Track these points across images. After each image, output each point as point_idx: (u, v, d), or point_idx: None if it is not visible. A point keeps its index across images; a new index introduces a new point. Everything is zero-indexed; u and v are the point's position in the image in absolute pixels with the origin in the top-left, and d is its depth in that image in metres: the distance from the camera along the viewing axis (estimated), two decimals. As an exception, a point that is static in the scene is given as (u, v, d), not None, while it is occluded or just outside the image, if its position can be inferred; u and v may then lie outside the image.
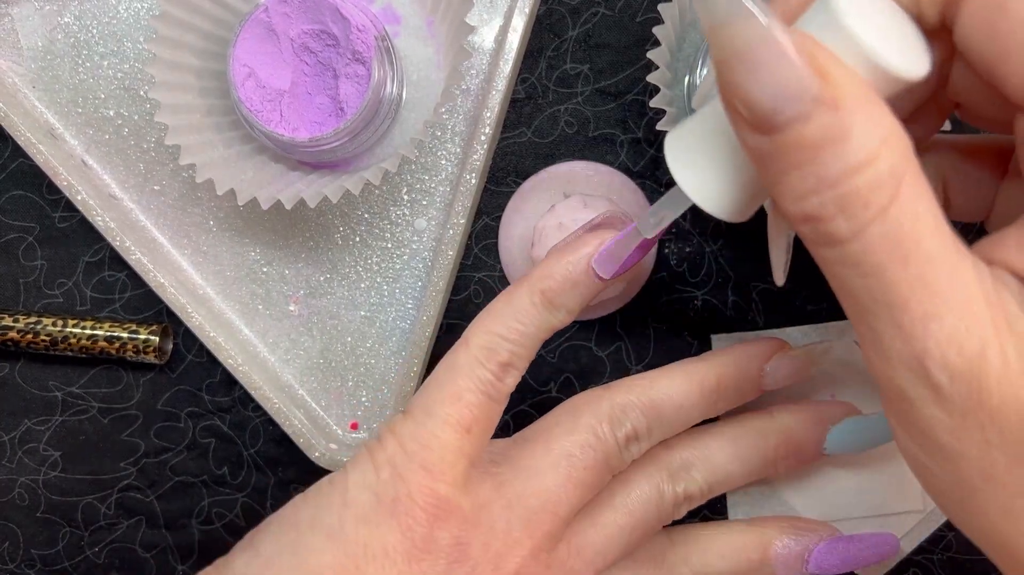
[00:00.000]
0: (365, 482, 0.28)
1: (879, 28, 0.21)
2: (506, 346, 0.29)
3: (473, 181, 0.37)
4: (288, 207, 0.35)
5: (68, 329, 0.38)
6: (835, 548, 0.34)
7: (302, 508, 0.29)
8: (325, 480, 0.29)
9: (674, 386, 0.32)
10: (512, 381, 0.30)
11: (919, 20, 0.23)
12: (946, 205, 0.30)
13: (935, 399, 0.21)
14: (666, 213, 0.28)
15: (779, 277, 0.27)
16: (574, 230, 0.32)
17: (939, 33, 0.23)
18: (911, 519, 0.38)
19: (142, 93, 0.39)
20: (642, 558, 0.32)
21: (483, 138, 0.37)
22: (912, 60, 0.21)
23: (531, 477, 0.29)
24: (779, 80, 0.19)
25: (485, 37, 0.38)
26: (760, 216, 0.38)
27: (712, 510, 0.39)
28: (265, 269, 0.39)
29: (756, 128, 0.20)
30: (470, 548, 0.28)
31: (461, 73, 0.35)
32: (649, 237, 0.28)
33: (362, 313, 0.39)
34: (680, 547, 0.33)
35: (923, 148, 0.28)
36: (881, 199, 0.20)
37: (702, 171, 0.25)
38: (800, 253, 0.39)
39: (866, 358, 0.22)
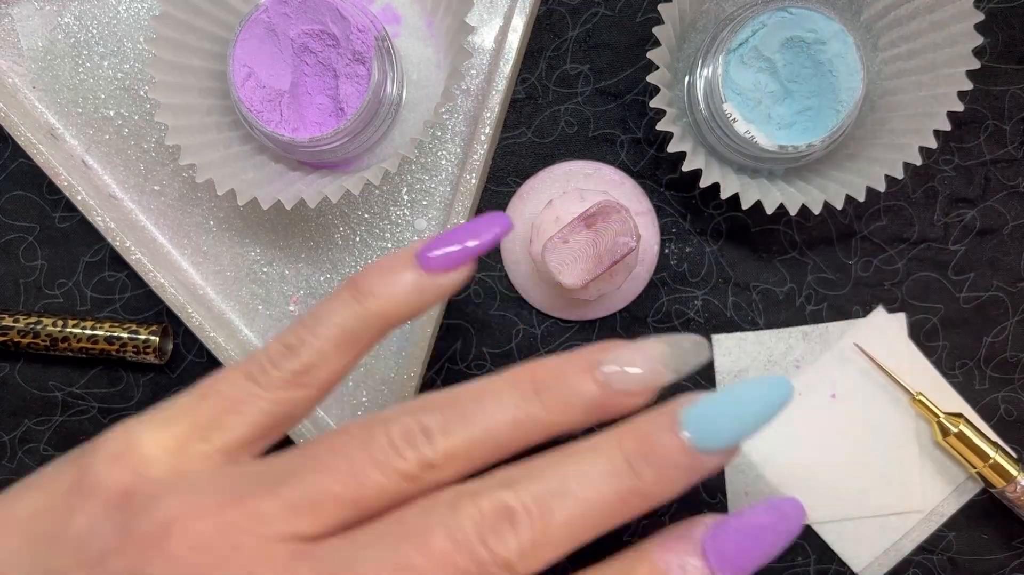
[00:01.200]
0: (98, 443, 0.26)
1: None
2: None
3: (473, 181, 0.37)
4: (288, 207, 0.35)
5: (68, 329, 0.38)
6: (725, 528, 0.26)
7: None
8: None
9: (476, 383, 0.25)
10: (292, 368, 0.26)
11: None
12: None
13: None
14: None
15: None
16: (570, 221, 0.32)
17: None
18: (912, 519, 0.38)
19: (142, 93, 0.39)
20: None
21: (483, 138, 0.37)
22: None
23: (263, 463, 0.26)
24: None
25: (485, 37, 0.38)
26: (762, 216, 0.38)
27: (713, 510, 0.39)
28: (265, 269, 0.39)
29: None
30: (134, 498, 0.24)
31: (461, 73, 0.35)
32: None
33: (362, 313, 0.39)
34: None
35: None
36: None
37: None
38: (801, 248, 0.39)
39: None
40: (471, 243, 0.26)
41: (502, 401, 0.25)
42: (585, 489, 0.24)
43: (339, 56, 0.35)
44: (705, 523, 0.25)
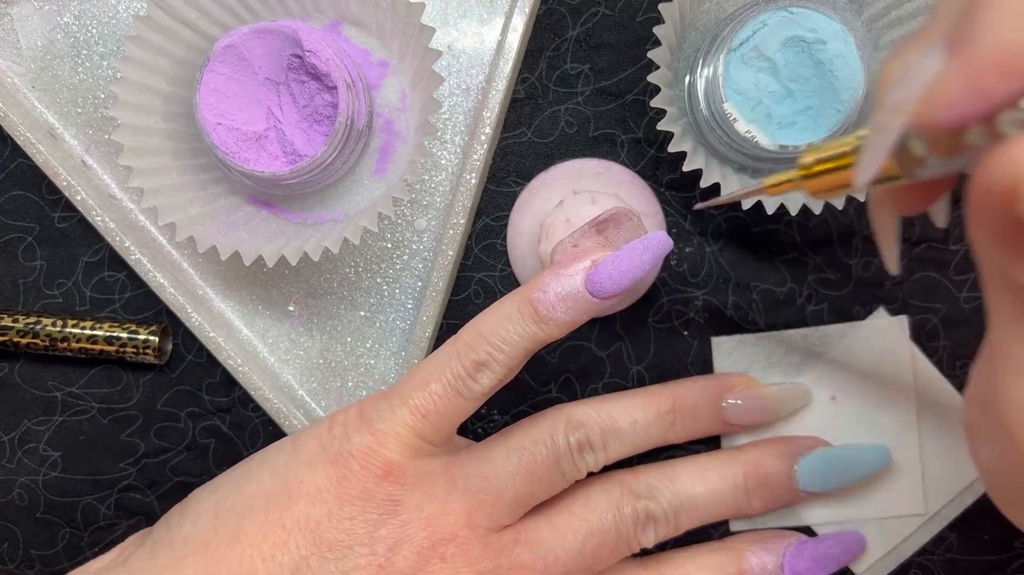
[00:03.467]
0: (318, 435, 0.31)
1: None
2: (484, 347, 0.31)
3: (473, 181, 0.37)
4: (223, 256, 0.35)
5: (68, 329, 0.38)
6: (804, 550, 0.35)
7: (260, 452, 0.32)
8: (288, 436, 0.33)
9: (630, 404, 0.34)
10: (487, 381, 0.31)
11: None
12: None
13: None
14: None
15: (895, 266, 0.27)
16: (581, 226, 0.32)
17: None
18: (914, 521, 0.38)
19: (103, 112, 0.39)
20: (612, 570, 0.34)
21: (483, 138, 0.37)
22: None
23: (481, 461, 0.31)
24: None
25: (485, 37, 0.38)
26: (763, 216, 0.38)
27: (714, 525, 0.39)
28: (265, 269, 0.39)
29: None
30: (403, 505, 0.30)
31: (434, 127, 0.35)
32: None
33: (362, 313, 0.39)
34: (653, 572, 0.35)
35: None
36: None
37: None
38: (801, 248, 0.39)
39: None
40: (638, 274, 0.31)
41: (648, 426, 0.34)
42: (710, 506, 0.34)
43: (307, 87, 0.35)
44: (790, 540, 0.36)
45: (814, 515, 0.38)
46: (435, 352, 0.32)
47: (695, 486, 0.34)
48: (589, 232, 0.32)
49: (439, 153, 0.39)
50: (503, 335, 0.31)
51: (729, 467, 0.35)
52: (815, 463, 0.35)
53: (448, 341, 0.32)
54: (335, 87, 0.34)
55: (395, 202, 0.35)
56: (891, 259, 0.27)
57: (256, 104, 0.36)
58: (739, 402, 0.36)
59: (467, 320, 0.32)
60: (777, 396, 0.36)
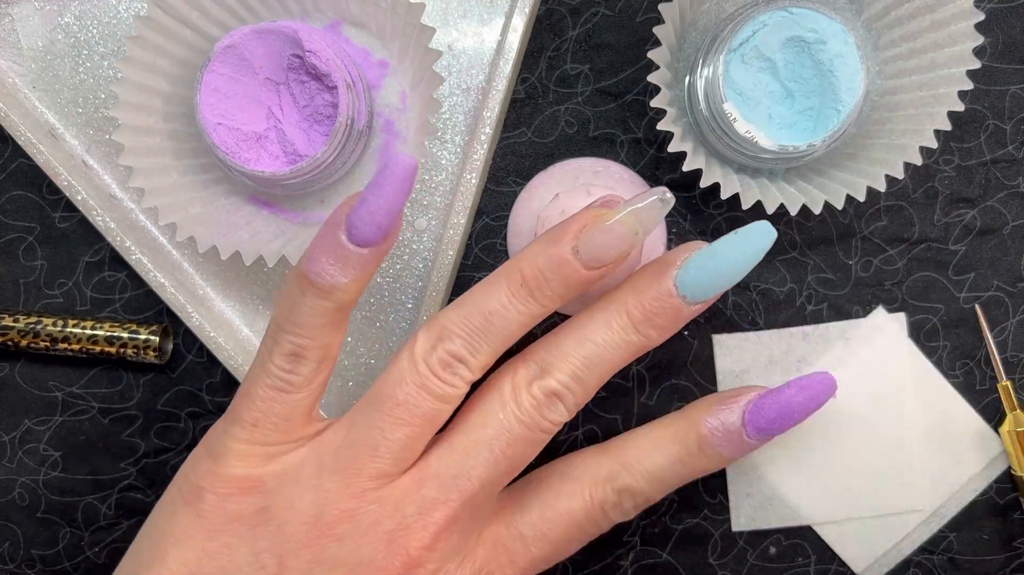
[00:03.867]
0: (176, 481, 0.31)
1: None
2: (287, 337, 0.29)
3: (473, 181, 0.37)
4: (224, 256, 0.35)
5: (68, 329, 0.38)
6: (765, 403, 0.32)
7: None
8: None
9: (480, 294, 0.30)
10: (306, 369, 0.30)
11: None
12: None
13: None
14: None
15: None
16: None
17: None
18: (913, 519, 0.38)
19: (103, 112, 0.39)
20: (584, 478, 0.32)
21: (483, 138, 0.37)
22: None
23: (346, 429, 0.30)
24: None
25: (485, 37, 0.38)
26: (762, 216, 0.38)
27: (713, 511, 0.39)
28: (265, 269, 0.39)
29: None
30: (272, 511, 0.29)
31: (434, 127, 0.35)
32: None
33: (362, 313, 0.39)
34: (616, 457, 0.33)
35: None
36: None
37: None
38: (801, 248, 0.39)
39: None
40: (391, 208, 0.29)
41: (513, 317, 0.30)
42: (607, 358, 0.31)
43: (307, 87, 0.35)
44: (749, 396, 0.32)
45: (813, 514, 0.38)
46: (253, 360, 0.31)
47: (584, 344, 0.30)
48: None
49: (439, 153, 0.39)
50: (297, 319, 0.29)
51: (612, 311, 0.31)
52: (692, 271, 0.30)
53: (260, 344, 0.31)
54: (335, 87, 0.34)
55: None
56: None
57: (256, 104, 0.36)
58: (587, 241, 0.30)
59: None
60: (626, 215, 0.30)
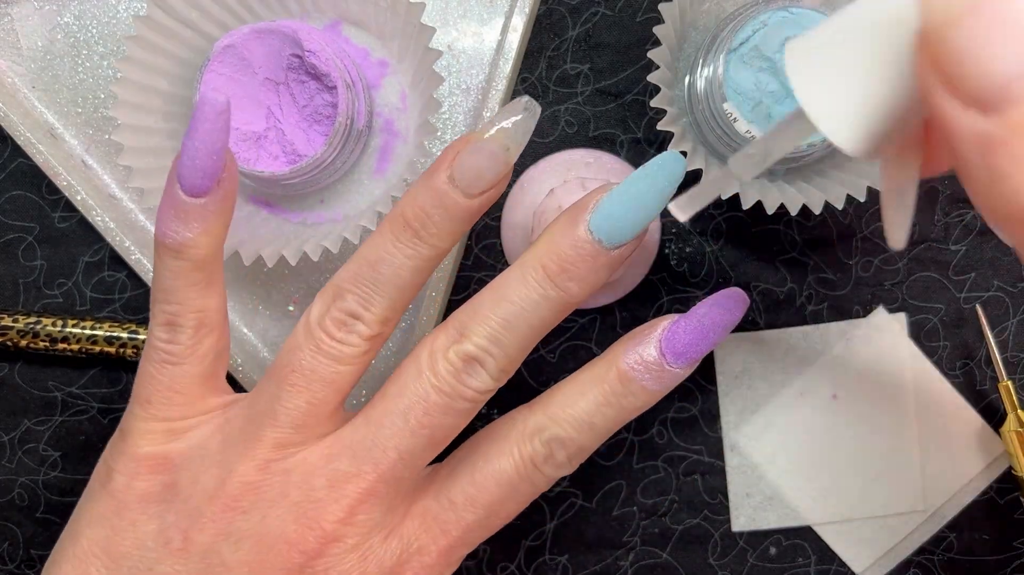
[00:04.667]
0: (97, 467, 0.31)
1: None
2: (160, 307, 0.29)
3: (473, 181, 0.37)
4: (223, 257, 0.35)
5: (68, 329, 0.38)
6: (679, 328, 0.30)
7: None
8: None
9: (369, 246, 0.29)
10: (185, 337, 0.29)
11: None
12: None
13: None
14: (775, 146, 0.23)
15: (901, 238, 0.23)
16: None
17: None
18: (913, 520, 0.38)
19: (103, 112, 0.39)
20: (511, 436, 0.31)
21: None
22: None
23: (250, 402, 0.29)
24: (1019, 45, 0.16)
25: (485, 36, 0.38)
26: (762, 216, 0.38)
27: (713, 512, 0.39)
28: (265, 269, 0.39)
29: (976, 104, 0.17)
30: (178, 486, 0.29)
31: (434, 127, 0.35)
32: (748, 179, 0.26)
33: (362, 313, 0.39)
34: (542, 410, 0.31)
35: None
36: None
37: (835, 89, 0.20)
38: (801, 248, 0.39)
39: None
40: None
41: (401, 262, 0.29)
42: (526, 318, 0.28)
43: (307, 87, 0.35)
44: (664, 324, 0.30)
45: (813, 514, 0.38)
46: None
47: (500, 304, 0.28)
48: None
49: (438, 153, 0.39)
50: (162, 285, 0.29)
51: (528, 267, 0.29)
52: (604, 210, 0.28)
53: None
54: (335, 87, 0.34)
55: (395, 202, 0.35)
56: (901, 230, 0.23)
57: (256, 104, 0.36)
58: (460, 165, 0.28)
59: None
60: (495, 131, 0.28)
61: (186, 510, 0.29)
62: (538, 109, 0.28)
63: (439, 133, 0.38)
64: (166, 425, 0.29)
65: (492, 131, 0.28)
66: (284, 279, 0.39)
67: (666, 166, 0.28)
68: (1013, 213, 0.17)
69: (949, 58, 0.17)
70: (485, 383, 0.29)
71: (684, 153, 0.35)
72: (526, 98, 0.28)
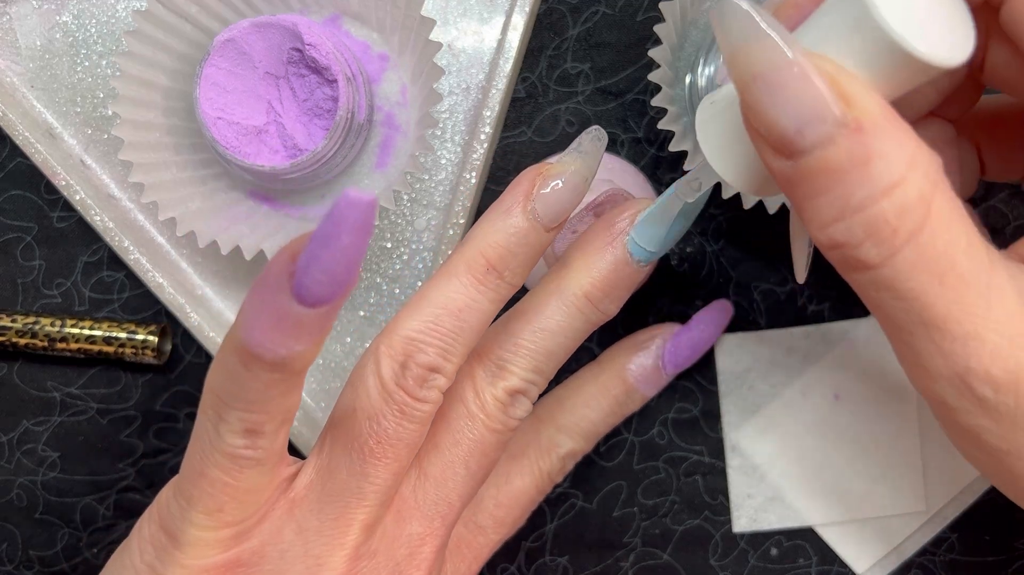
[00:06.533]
0: (132, 564, 0.26)
1: (914, 12, 0.20)
2: (236, 414, 0.24)
3: (473, 181, 0.37)
4: (224, 251, 0.35)
5: (66, 329, 0.38)
6: (680, 343, 0.34)
7: None
8: (117, 551, 0.28)
9: (443, 290, 0.27)
10: (265, 443, 0.25)
11: None
12: (981, 169, 0.30)
13: (981, 410, 0.21)
14: (704, 178, 0.27)
15: (800, 274, 0.27)
16: (578, 211, 0.32)
17: (979, 11, 0.23)
18: (915, 521, 0.38)
19: (107, 111, 0.39)
20: (528, 453, 0.33)
21: (483, 137, 0.37)
22: (952, 44, 0.20)
23: (324, 477, 0.26)
24: (801, 103, 0.19)
25: (485, 36, 0.38)
26: (763, 216, 0.38)
27: (714, 512, 0.39)
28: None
29: (779, 151, 0.20)
30: None
31: (434, 119, 0.35)
32: (690, 201, 0.27)
33: (362, 313, 0.39)
34: (552, 423, 0.33)
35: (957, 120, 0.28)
36: (910, 224, 0.20)
37: (727, 143, 0.24)
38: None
39: (906, 370, 0.22)
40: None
41: (479, 303, 0.27)
42: (565, 345, 0.28)
43: (307, 81, 0.35)
44: (664, 335, 0.33)
45: (814, 515, 0.38)
46: (194, 430, 0.26)
47: (542, 335, 0.28)
48: (587, 216, 0.32)
49: (439, 152, 0.38)
50: (245, 395, 0.24)
51: (568, 295, 0.28)
52: (643, 233, 0.28)
53: (199, 412, 0.26)
54: (335, 81, 0.34)
55: (396, 196, 0.35)
56: (801, 265, 0.26)
57: (256, 98, 0.35)
58: (543, 198, 0.27)
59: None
60: (575, 162, 0.27)
61: None
62: (606, 137, 0.28)
63: (440, 131, 0.38)
64: (237, 529, 0.26)
65: (571, 161, 0.27)
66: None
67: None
68: (813, 236, 0.21)
69: (751, 115, 0.20)
70: (527, 410, 0.29)
71: (685, 153, 0.35)
72: (596, 128, 0.28)
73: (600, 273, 0.28)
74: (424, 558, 0.27)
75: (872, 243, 0.20)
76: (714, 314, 0.34)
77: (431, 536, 0.27)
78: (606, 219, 0.29)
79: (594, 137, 0.28)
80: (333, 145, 0.35)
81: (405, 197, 0.38)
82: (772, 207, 0.35)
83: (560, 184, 0.27)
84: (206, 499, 0.25)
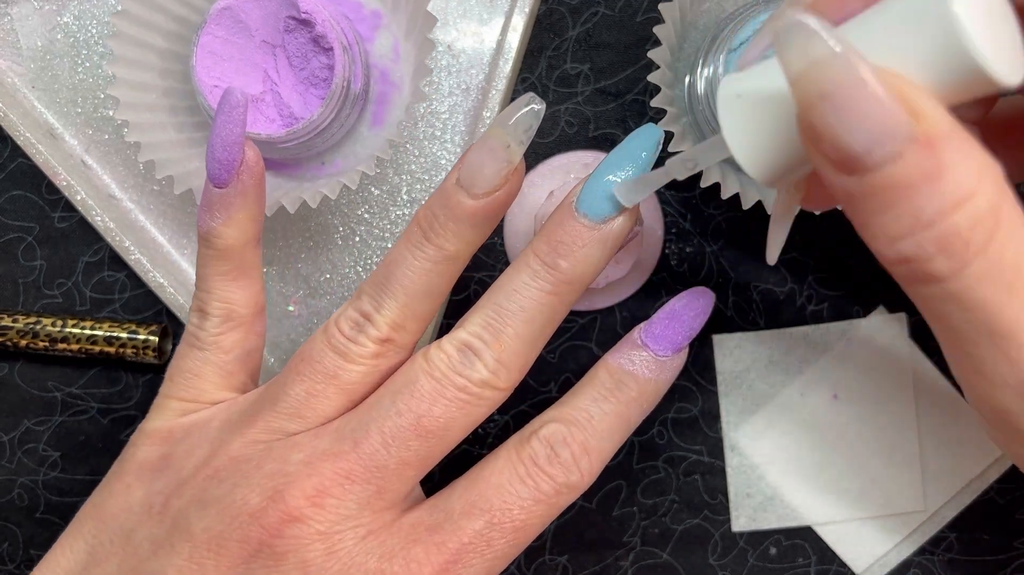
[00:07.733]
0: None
1: (981, 22, 0.20)
2: (197, 295, 0.31)
3: (473, 181, 0.37)
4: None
5: (67, 329, 0.38)
6: (654, 319, 0.31)
7: None
8: None
9: (390, 251, 0.29)
10: (211, 325, 0.31)
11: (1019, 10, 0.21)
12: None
13: None
14: (702, 158, 0.26)
15: (773, 256, 0.26)
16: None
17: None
18: (913, 520, 0.38)
19: (102, 112, 0.39)
20: (507, 443, 0.30)
21: (483, 138, 0.37)
22: (1011, 59, 0.20)
23: (262, 388, 0.30)
24: (872, 122, 0.19)
25: (485, 36, 0.38)
26: (762, 216, 0.38)
27: (714, 512, 0.39)
28: (264, 269, 0.39)
29: (844, 169, 0.20)
30: (173, 457, 0.30)
31: (428, 68, 0.35)
32: (680, 179, 0.27)
33: (362, 313, 0.39)
34: (534, 419, 0.30)
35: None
36: (982, 235, 0.19)
37: (750, 128, 0.23)
38: (801, 248, 0.38)
39: (963, 380, 0.22)
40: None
41: (411, 264, 0.29)
42: (518, 300, 0.28)
43: (304, 50, 0.35)
44: (639, 326, 0.31)
45: (813, 514, 0.38)
46: None
47: (495, 293, 0.29)
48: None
49: (439, 153, 0.39)
50: (198, 273, 0.31)
51: (521, 256, 0.29)
52: (590, 193, 0.28)
53: None
54: (331, 49, 0.34)
55: (391, 144, 0.35)
56: (776, 249, 0.26)
57: (252, 67, 0.35)
58: (464, 163, 0.28)
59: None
60: (494, 127, 0.28)
61: (173, 479, 0.29)
62: (542, 106, 0.28)
63: (439, 134, 0.38)
64: (180, 405, 0.31)
65: (493, 126, 0.28)
66: (284, 279, 0.39)
67: (644, 139, 0.28)
68: (878, 251, 0.21)
69: (816, 134, 0.20)
70: (480, 373, 0.28)
71: (670, 133, 0.35)
72: (529, 95, 0.28)
73: (544, 230, 0.28)
74: (318, 473, 0.27)
75: (944, 256, 0.20)
76: (688, 294, 0.31)
77: (335, 455, 0.27)
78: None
79: (526, 103, 0.28)
80: (329, 114, 0.35)
81: (406, 197, 0.39)
82: (772, 207, 0.35)
83: (480, 146, 0.28)
84: (169, 368, 0.31)
